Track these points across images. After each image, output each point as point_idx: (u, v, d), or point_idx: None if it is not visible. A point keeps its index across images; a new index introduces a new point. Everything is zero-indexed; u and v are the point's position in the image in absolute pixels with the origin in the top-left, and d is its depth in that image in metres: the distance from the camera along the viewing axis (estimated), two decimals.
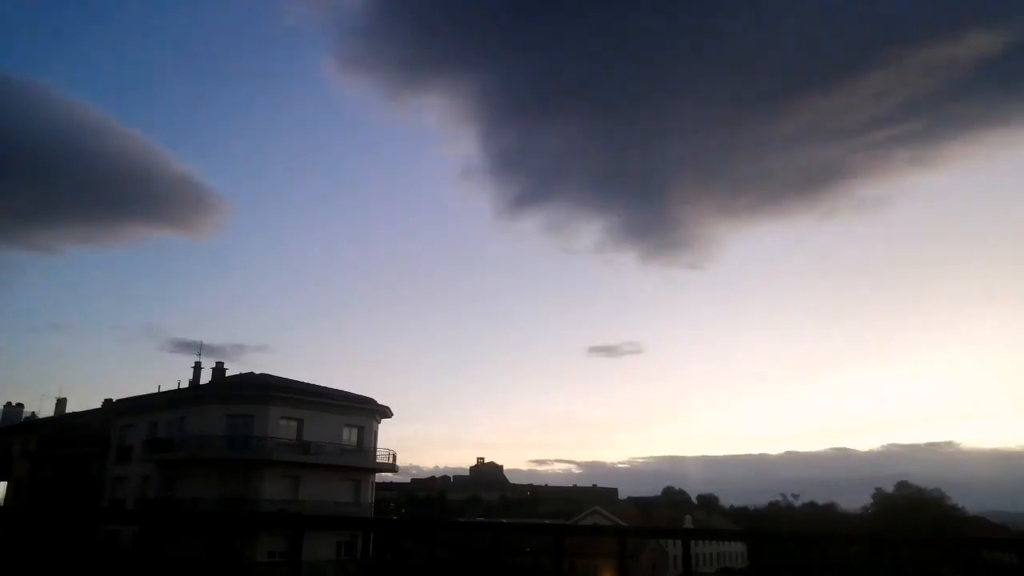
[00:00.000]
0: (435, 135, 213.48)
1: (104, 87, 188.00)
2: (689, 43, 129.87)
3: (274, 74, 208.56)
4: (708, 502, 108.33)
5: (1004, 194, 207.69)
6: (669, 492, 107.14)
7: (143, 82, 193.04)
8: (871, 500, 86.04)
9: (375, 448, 49.42)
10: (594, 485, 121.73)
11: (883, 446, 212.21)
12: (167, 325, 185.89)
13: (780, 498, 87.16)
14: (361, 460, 48.25)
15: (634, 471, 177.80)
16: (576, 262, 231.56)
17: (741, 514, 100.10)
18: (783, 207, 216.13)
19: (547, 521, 66.97)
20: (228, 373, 51.62)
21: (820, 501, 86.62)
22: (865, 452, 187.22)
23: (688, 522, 77.40)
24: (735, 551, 73.96)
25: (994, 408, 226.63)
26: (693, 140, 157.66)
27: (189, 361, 52.61)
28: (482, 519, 63.93)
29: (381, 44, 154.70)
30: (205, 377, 51.29)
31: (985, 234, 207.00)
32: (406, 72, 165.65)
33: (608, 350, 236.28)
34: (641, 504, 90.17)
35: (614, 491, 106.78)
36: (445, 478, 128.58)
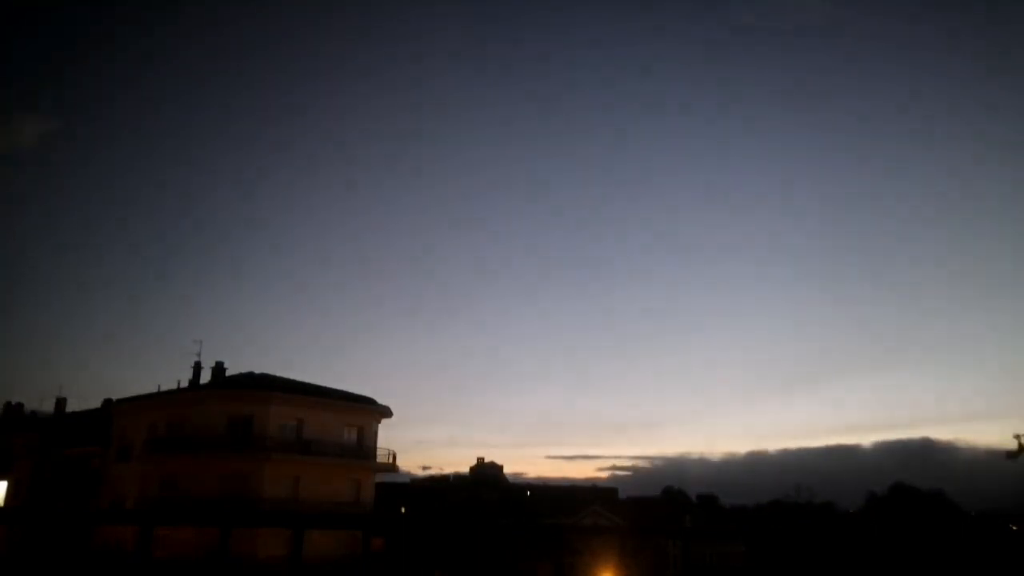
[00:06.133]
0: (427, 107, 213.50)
1: None
2: None
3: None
4: (708, 502, 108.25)
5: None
6: (669, 492, 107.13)
7: None
8: (866, 502, 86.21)
9: (375, 448, 49.52)
10: (594, 485, 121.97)
11: (880, 443, 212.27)
12: (166, 323, 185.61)
13: (782, 497, 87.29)
14: (361, 460, 48.34)
15: (634, 471, 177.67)
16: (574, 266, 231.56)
17: (741, 514, 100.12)
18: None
19: (547, 521, 66.96)
20: (228, 372, 51.62)
21: (816, 501, 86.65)
22: (863, 450, 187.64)
23: (688, 522, 77.40)
24: (735, 551, 73.91)
25: (999, 407, 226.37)
26: None
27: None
28: (482, 519, 63.88)
29: None
30: (205, 376, 51.30)
31: (985, 229, 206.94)
32: None
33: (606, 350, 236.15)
34: (641, 504, 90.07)
35: (614, 491, 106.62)
36: (445, 478, 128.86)
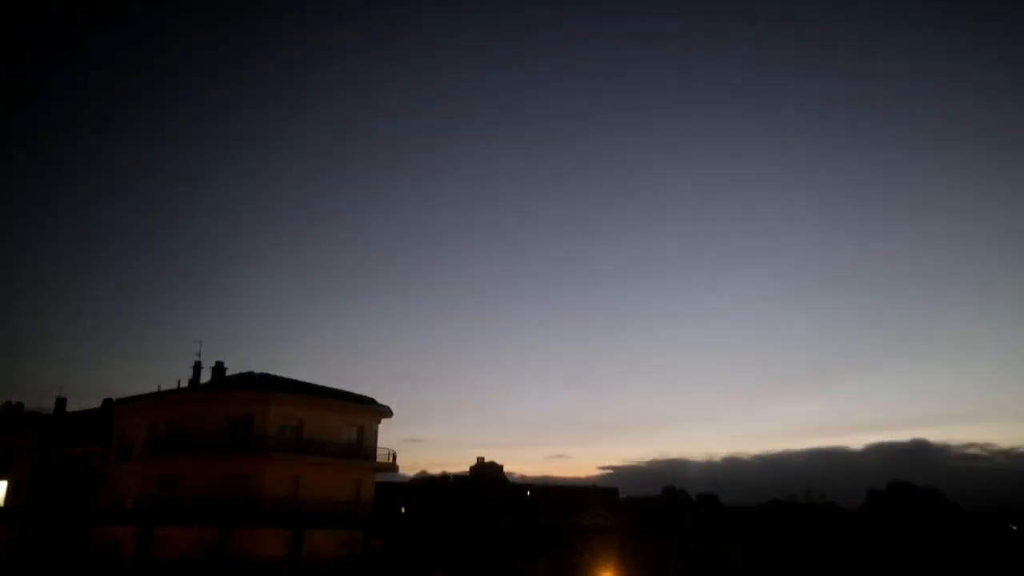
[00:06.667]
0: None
1: None
2: None
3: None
4: (708, 502, 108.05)
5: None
6: (669, 492, 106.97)
7: None
8: (866, 500, 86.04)
9: (375, 447, 49.49)
10: (594, 485, 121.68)
11: (872, 445, 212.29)
12: (166, 323, 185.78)
13: (782, 497, 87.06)
14: (361, 459, 48.29)
15: (634, 471, 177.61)
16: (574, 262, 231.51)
17: (742, 513, 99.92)
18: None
19: (547, 521, 66.89)
20: (228, 372, 51.63)
21: (819, 501, 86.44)
22: (857, 452, 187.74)
23: (688, 522, 77.21)
24: (735, 551, 73.73)
25: (992, 408, 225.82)
26: None
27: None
28: (482, 519, 63.83)
29: None
30: (205, 376, 51.31)
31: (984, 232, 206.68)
32: None
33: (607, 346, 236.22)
34: (641, 504, 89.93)
35: (614, 491, 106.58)
36: (445, 478, 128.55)
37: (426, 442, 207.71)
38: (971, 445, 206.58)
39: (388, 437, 59.41)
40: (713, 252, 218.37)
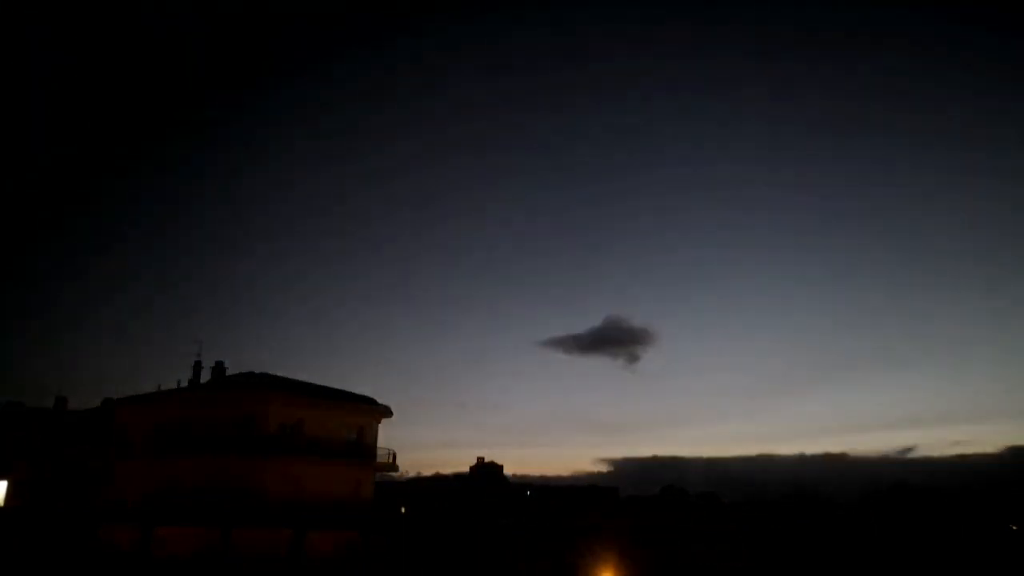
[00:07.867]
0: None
1: None
2: None
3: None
4: (708, 501, 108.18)
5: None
6: (669, 492, 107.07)
7: None
8: (867, 500, 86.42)
9: (375, 447, 49.56)
10: (594, 484, 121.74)
11: (866, 447, 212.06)
12: (166, 323, 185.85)
13: (782, 497, 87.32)
14: (361, 459, 48.34)
15: (634, 470, 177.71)
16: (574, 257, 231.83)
17: (742, 513, 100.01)
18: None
19: (547, 521, 66.91)
20: (228, 372, 51.67)
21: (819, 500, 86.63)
22: (853, 452, 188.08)
23: (688, 522, 77.28)
24: (735, 550, 73.74)
25: (985, 411, 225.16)
26: None
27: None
28: (482, 519, 63.88)
29: None
30: (205, 376, 51.35)
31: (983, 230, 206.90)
32: None
33: (609, 344, 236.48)
34: (641, 504, 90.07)
35: (614, 490, 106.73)
36: (445, 478, 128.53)
37: (426, 442, 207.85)
38: (964, 443, 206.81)
39: (388, 437, 59.42)
40: (714, 255, 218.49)
